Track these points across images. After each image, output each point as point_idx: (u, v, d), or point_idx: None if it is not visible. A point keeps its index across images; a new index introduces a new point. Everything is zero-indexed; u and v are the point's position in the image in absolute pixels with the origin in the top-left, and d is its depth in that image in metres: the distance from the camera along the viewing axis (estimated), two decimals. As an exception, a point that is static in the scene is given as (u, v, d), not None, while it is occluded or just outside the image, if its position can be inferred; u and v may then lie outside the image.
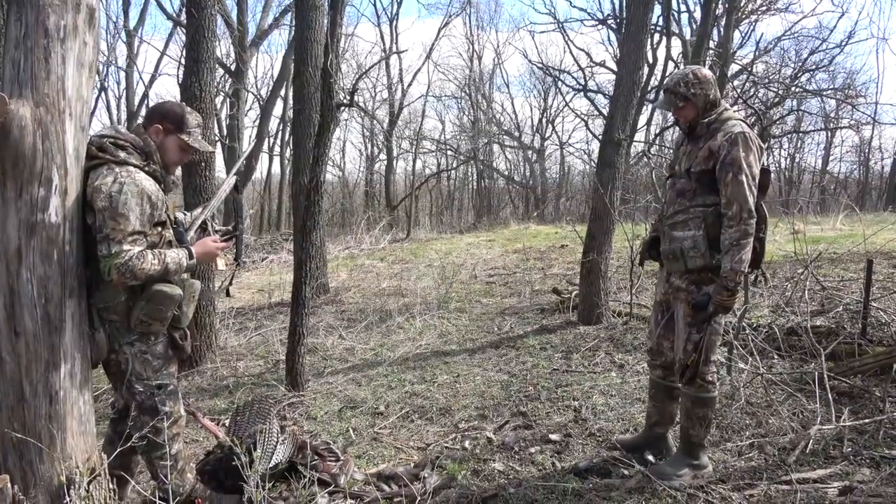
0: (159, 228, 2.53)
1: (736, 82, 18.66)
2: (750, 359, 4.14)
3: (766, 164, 2.97)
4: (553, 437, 3.66)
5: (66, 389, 2.37)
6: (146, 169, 2.48)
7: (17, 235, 2.26)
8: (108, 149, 2.43)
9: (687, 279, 3.00)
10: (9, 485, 2.28)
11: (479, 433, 3.82)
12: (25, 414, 2.33)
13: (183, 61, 6.29)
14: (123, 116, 20.80)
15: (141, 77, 21.13)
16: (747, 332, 4.46)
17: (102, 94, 21.80)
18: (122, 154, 2.44)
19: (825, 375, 3.68)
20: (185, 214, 3.05)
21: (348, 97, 4.90)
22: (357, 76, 12.91)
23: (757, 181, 2.84)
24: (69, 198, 2.34)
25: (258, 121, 18.60)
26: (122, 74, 21.55)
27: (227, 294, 3.55)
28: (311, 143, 5.90)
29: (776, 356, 4.53)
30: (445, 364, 5.32)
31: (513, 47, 48.14)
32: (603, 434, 3.67)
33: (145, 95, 20.56)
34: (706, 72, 3.00)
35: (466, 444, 3.68)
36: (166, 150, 2.57)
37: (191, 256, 2.55)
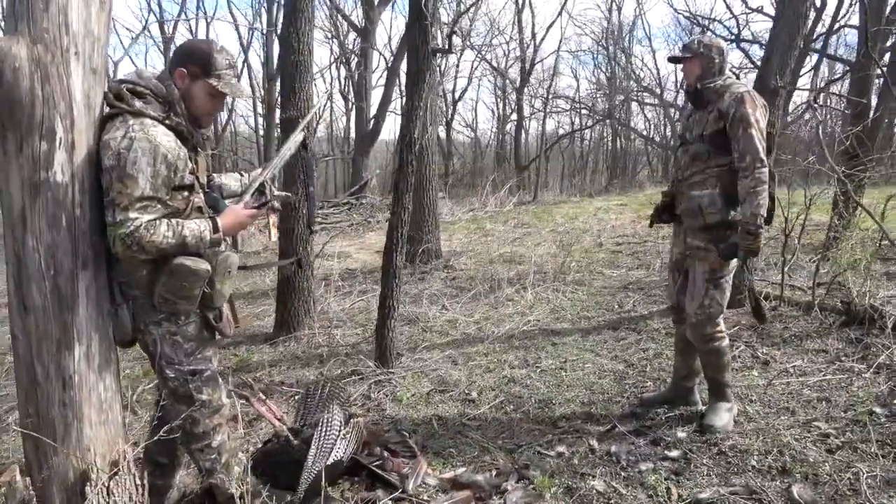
0: (186, 193, 2.14)
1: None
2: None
3: (774, 129, 3.16)
4: (671, 452, 2.98)
5: (81, 373, 2.08)
6: (166, 122, 2.09)
7: (21, 196, 1.96)
8: (124, 97, 2.05)
9: (705, 237, 3.13)
10: (18, 476, 2.04)
11: (580, 437, 3.22)
12: (39, 399, 2.06)
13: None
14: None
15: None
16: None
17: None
18: (139, 103, 2.05)
19: None
20: (242, 175, 2.68)
21: (447, 42, 4.33)
22: (457, 16, 11.83)
23: (764, 135, 2.99)
24: (78, 153, 2.00)
25: (385, 80, 18.44)
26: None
27: (299, 265, 3.11)
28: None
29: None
30: (553, 346, 4.72)
31: (658, -4, 44.47)
32: (736, 453, 2.94)
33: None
34: (719, 42, 3.17)
35: (563, 449, 3.10)
36: (193, 97, 2.16)
37: (216, 229, 2.15)
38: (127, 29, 25.22)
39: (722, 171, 3.07)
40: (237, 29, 20.35)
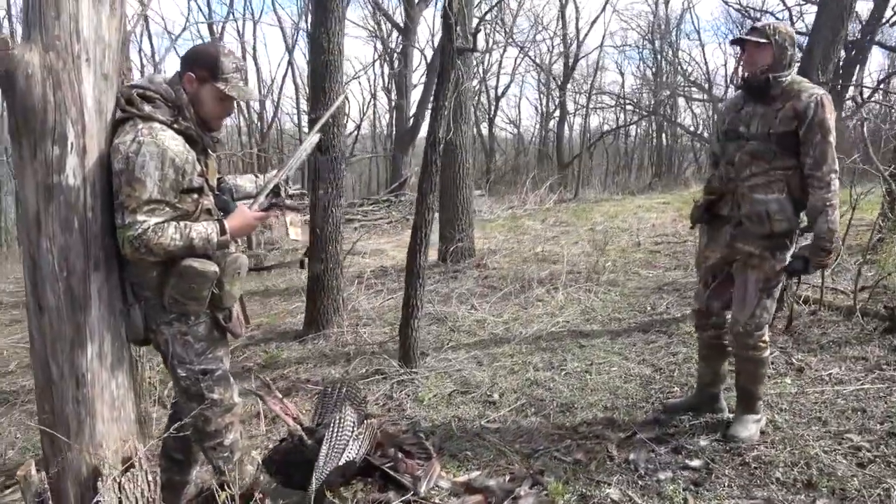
0: (195, 195, 2.17)
1: None
2: None
3: None
4: (692, 462, 2.89)
5: (94, 372, 2.13)
6: (174, 126, 2.12)
7: (35, 200, 2.02)
8: (135, 101, 2.10)
9: (762, 244, 2.94)
10: (33, 470, 2.10)
11: (599, 443, 3.16)
12: (54, 396, 2.13)
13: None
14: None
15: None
16: None
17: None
18: (148, 108, 2.10)
19: None
20: (257, 176, 2.71)
21: (473, 40, 4.30)
22: (483, 15, 11.64)
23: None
24: (89, 157, 2.05)
25: (425, 78, 18.47)
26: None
27: (302, 266, 3.19)
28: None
29: None
30: (580, 348, 4.65)
31: (708, -12, 43.26)
32: (760, 465, 2.83)
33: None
34: (792, 31, 2.96)
35: (580, 455, 3.04)
36: (202, 102, 2.19)
37: (223, 231, 2.18)
38: (168, 32, 25.86)
39: (788, 174, 2.87)
40: (282, 28, 20.61)
